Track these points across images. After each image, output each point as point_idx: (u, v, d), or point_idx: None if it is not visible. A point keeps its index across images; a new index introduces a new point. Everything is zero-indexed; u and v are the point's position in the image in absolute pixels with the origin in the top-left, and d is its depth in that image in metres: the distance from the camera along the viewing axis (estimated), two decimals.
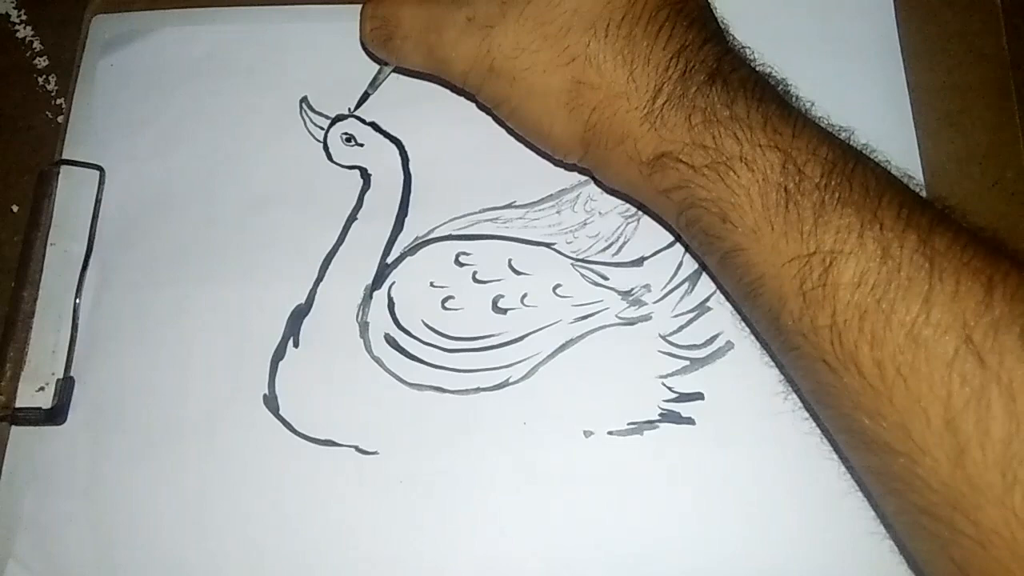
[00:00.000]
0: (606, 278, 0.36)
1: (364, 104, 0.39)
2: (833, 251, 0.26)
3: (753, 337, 0.35)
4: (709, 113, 0.28)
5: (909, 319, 0.24)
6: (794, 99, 0.30)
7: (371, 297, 0.37)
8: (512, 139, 0.37)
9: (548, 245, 0.37)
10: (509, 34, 0.31)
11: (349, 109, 0.39)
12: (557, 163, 0.37)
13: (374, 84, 0.39)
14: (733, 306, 0.35)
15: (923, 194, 0.28)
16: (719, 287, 0.35)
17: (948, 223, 0.26)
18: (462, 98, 0.38)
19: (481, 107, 0.35)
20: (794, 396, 0.33)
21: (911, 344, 0.24)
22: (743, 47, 0.31)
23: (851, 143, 0.29)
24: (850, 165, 0.27)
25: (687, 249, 0.36)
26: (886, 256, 0.25)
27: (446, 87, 0.38)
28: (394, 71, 0.39)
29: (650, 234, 0.37)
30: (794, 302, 0.27)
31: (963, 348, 0.24)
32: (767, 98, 0.29)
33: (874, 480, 0.27)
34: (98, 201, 0.38)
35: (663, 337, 0.35)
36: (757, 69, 0.30)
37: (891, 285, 0.25)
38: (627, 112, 0.30)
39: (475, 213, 0.38)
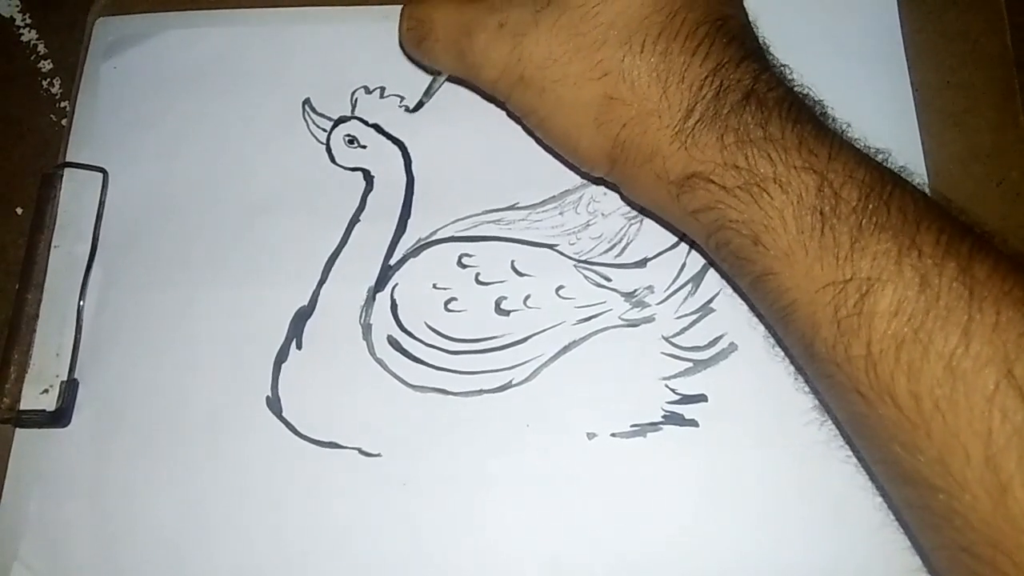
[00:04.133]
0: (609, 279, 0.36)
1: (367, 107, 0.39)
2: (870, 278, 0.25)
3: (757, 339, 0.34)
4: (742, 133, 0.27)
5: (948, 351, 0.23)
6: (831, 120, 0.29)
7: (374, 299, 0.37)
8: (515, 141, 0.37)
9: (551, 247, 0.37)
10: (541, 43, 0.30)
11: (352, 111, 0.39)
12: (583, 175, 0.37)
13: (428, 93, 0.38)
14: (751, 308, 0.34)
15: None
16: (738, 291, 0.35)
17: (988, 250, 0.25)
18: (464, 100, 0.38)
19: (511, 115, 0.35)
20: (805, 402, 0.33)
21: (949, 377, 0.23)
22: (782, 65, 0.31)
23: (888, 165, 0.28)
24: (888, 189, 0.26)
25: (692, 248, 0.36)
26: (924, 284, 0.24)
27: (480, 95, 0.38)
28: (448, 80, 0.38)
29: (653, 235, 0.37)
30: (828, 330, 0.26)
31: (1004, 383, 0.23)
32: (803, 119, 0.28)
33: (912, 514, 0.26)
34: (102, 203, 0.38)
35: (666, 339, 0.35)
36: (795, 90, 0.29)
37: (929, 315, 0.24)
38: (658, 130, 0.29)
39: (478, 215, 0.38)
